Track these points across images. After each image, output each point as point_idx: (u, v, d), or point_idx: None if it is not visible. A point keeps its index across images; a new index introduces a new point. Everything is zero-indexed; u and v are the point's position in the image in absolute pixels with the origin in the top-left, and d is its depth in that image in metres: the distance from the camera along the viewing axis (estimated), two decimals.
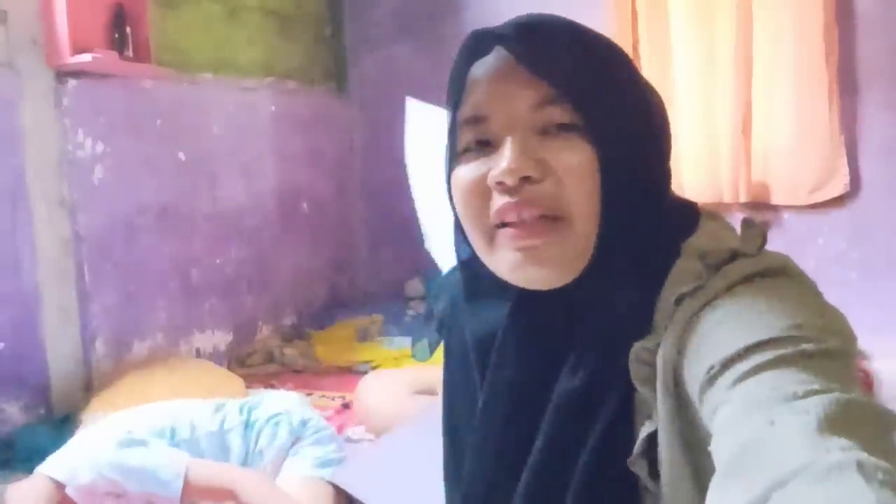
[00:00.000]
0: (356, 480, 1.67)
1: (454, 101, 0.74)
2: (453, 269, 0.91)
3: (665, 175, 0.73)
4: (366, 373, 2.73)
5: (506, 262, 0.70)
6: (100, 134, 2.40)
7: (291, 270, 3.35)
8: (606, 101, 0.68)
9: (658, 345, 0.65)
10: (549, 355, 0.72)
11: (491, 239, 0.71)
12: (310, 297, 3.46)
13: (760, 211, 3.11)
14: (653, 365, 0.65)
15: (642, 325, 0.67)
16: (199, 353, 2.79)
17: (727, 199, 3.09)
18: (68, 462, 1.55)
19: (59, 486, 1.54)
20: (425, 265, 3.51)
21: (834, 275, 2.96)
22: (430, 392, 2.10)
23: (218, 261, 2.93)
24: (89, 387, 2.32)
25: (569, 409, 0.69)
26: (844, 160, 2.98)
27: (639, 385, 0.66)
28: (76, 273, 2.31)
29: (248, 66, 3.13)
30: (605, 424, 0.68)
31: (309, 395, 2.53)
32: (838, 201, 3.03)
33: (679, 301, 0.65)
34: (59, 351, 2.26)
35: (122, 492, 1.52)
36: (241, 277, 3.05)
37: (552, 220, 0.68)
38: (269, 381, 2.72)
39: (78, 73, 2.32)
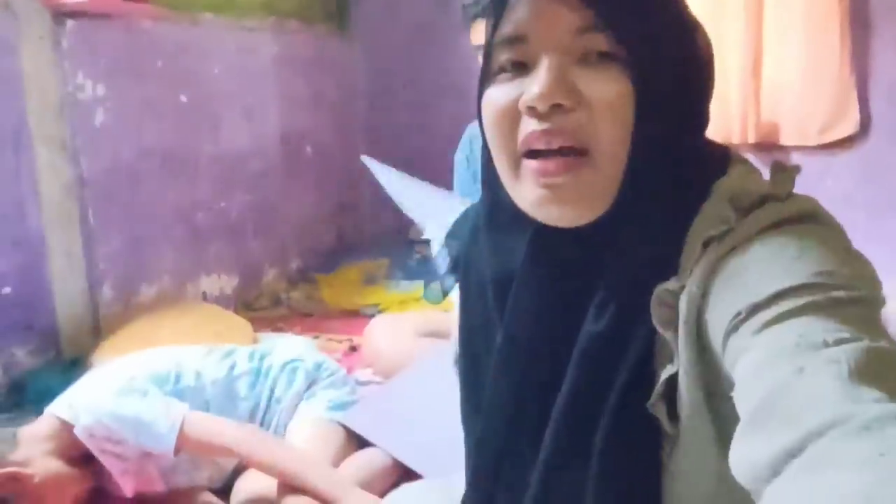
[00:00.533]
0: (366, 421, 1.69)
1: (493, 18, 0.71)
2: (467, 211, 0.90)
3: (703, 116, 0.71)
4: (372, 316, 2.74)
5: (529, 196, 0.69)
6: (100, 76, 2.37)
7: (296, 214, 3.34)
8: (650, 34, 0.66)
9: (682, 287, 0.64)
10: (569, 291, 0.72)
11: (516, 167, 0.70)
12: (315, 240, 3.46)
13: (768, 151, 3.08)
14: (675, 307, 0.64)
15: (668, 267, 0.66)
16: (205, 297, 2.80)
17: (736, 139, 3.06)
18: (73, 403, 1.57)
19: (67, 426, 1.56)
20: None
21: (841, 216, 2.92)
22: (436, 336, 2.11)
23: (223, 204, 2.92)
24: (97, 330, 2.33)
25: (595, 352, 0.69)
26: (855, 100, 2.94)
27: (660, 328, 0.65)
28: (81, 217, 2.30)
29: (249, 5, 3.08)
30: (631, 367, 0.67)
31: (316, 337, 2.54)
32: (847, 142, 3.00)
33: (706, 244, 0.64)
34: (67, 295, 2.26)
35: (119, 439, 1.54)
36: (246, 221, 3.04)
37: (577, 154, 0.66)
38: (276, 325, 2.74)
39: (76, 14, 2.27)
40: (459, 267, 0.86)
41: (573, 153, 0.66)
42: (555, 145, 0.66)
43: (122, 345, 2.05)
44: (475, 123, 2.05)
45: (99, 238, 2.36)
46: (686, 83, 0.69)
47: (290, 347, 1.85)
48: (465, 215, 0.90)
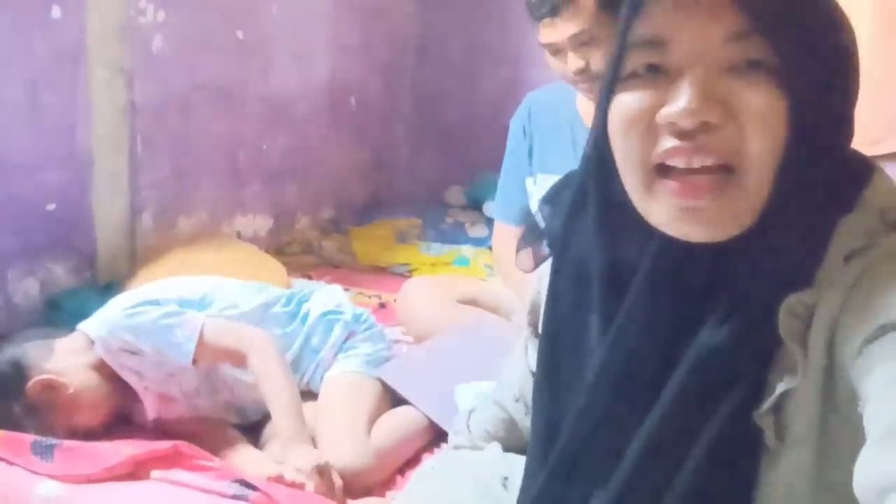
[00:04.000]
0: (402, 378, 1.69)
1: (626, 11, 0.66)
2: (567, 179, 0.84)
3: (851, 123, 0.68)
4: (402, 275, 2.74)
5: (664, 214, 0.65)
6: (162, 2, 2.35)
7: (333, 165, 3.32)
8: (807, 39, 0.62)
9: (817, 300, 0.62)
10: (690, 304, 0.68)
11: (648, 184, 0.66)
12: (349, 193, 3.44)
13: None
14: (806, 319, 0.63)
15: (801, 278, 0.64)
16: (239, 236, 2.79)
17: None
18: (98, 320, 1.59)
19: (93, 342, 1.57)
20: (466, 174, 3.47)
21: None
22: (473, 303, 2.11)
23: (265, 146, 2.90)
24: (133, 257, 2.33)
25: (710, 362, 0.66)
26: None
27: (787, 339, 0.63)
28: (129, 142, 2.29)
29: None
30: (748, 380, 0.65)
31: (346, 290, 2.53)
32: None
33: (849, 258, 0.62)
34: (108, 218, 2.26)
35: (136, 350, 1.55)
36: (285, 166, 3.02)
37: (722, 173, 0.62)
38: (306, 272, 2.72)
39: None
40: (557, 243, 0.82)
41: (714, 175, 0.62)
42: (696, 164, 0.62)
43: (159, 274, 2.05)
44: (537, 93, 2.03)
45: (144, 165, 2.35)
46: (840, 89, 0.65)
47: (328, 297, 1.85)
48: (566, 180, 0.84)
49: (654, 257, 0.69)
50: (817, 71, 0.62)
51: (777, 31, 0.61)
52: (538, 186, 1.93)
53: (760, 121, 0.61)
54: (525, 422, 0.97)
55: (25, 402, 1.52)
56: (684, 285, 0.69)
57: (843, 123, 0.67)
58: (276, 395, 1.50)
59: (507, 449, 0.99)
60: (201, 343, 1.53)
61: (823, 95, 0.63)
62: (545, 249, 0.85)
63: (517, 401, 0.97)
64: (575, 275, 0.79)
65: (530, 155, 1.97)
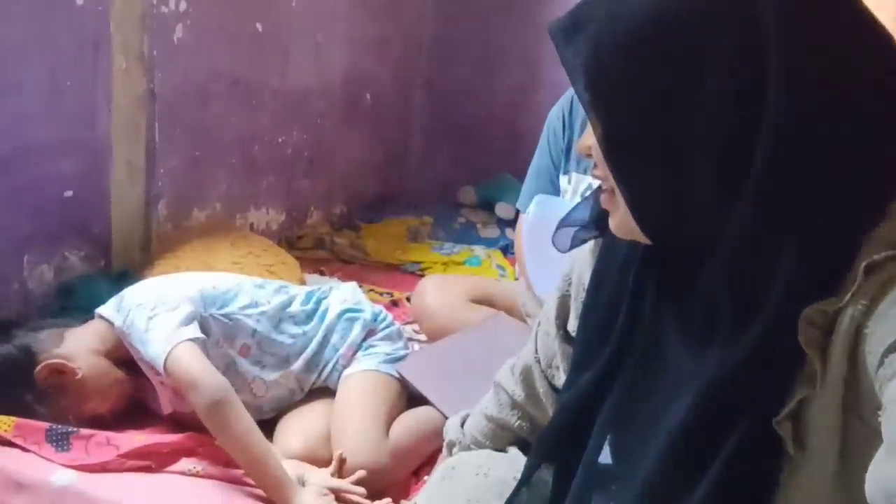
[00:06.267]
0: (421, 376, 1.68)
1: None
2: None
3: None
4: (414, 273, 2.74)
5: None
6: None
7: (346, 160, 3.32)
8: (613, 82, 0.72)
9: (838, 309, 0.64)
10: (694, 309, 0.75)
11: None
12: (361, 189, 3.44)
13: None
14: (825, 328, 0.64)
15: (825, 288, 0.65)
16: (252, 229, 2.79)
17: None
18: (120, 306, 1.58)
19: (112, 327, 1.57)
20: (479, 174, 3.47)
21: None
22: (488, 303, 2.10)
23: (280, 139, 2.90)
24: (147, 247, 2.32)
25: (727, 377, 0.69)
26: None
27: (806, 348, 0.65)
28: (147, 130, 2.29)
29: None
30: (771, 389, 0.67)
31: (359, 286, 2.52)
32: None
33: (870, 268, 0.63)
34: (124, 207, 2.25)
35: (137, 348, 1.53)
36: (299, 159, 3.02)
37: (610, 190, 0.78)
38: (317, 267, 2.72)
39: None
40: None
41: (609, 191, 0.78)
42: (602, 186, 0.80)
43: (177, 266, 2.04)
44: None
45: (161, 154, 2.34)
46: (665, 115, 0.70)
47: (347, 294, 1.83)
48: None
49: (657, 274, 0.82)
50: (627, 105, 0.72)
51: (590, 87, 0.74)
52: (572, 185, 1.89)
53: (595, 152, 0.77)
54: (521, 428, 1.08)
55: (35, 387, 1.51)
56: (684, 289, 0.76)
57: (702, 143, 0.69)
58: (249, 462, 1.40)
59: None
60: (167, 364, 1.45)
61: (639, 124, 0.72)
62: (587, 233, 0.89)
63: (513, 408, 1.08)
64: (619, 265, 0.85)
65: (567, 151, 1.92)
